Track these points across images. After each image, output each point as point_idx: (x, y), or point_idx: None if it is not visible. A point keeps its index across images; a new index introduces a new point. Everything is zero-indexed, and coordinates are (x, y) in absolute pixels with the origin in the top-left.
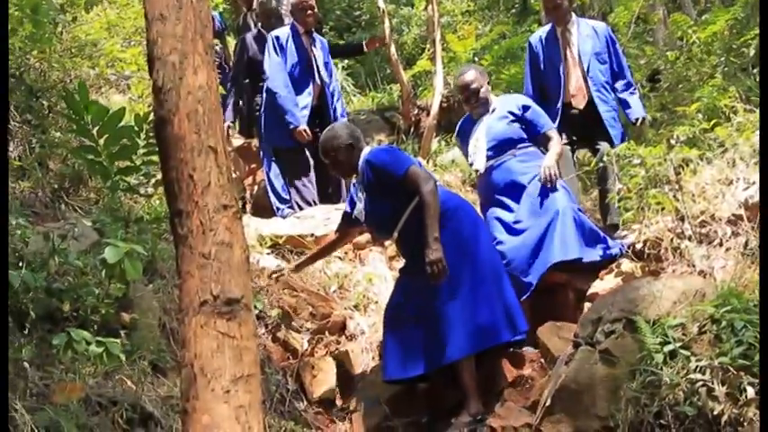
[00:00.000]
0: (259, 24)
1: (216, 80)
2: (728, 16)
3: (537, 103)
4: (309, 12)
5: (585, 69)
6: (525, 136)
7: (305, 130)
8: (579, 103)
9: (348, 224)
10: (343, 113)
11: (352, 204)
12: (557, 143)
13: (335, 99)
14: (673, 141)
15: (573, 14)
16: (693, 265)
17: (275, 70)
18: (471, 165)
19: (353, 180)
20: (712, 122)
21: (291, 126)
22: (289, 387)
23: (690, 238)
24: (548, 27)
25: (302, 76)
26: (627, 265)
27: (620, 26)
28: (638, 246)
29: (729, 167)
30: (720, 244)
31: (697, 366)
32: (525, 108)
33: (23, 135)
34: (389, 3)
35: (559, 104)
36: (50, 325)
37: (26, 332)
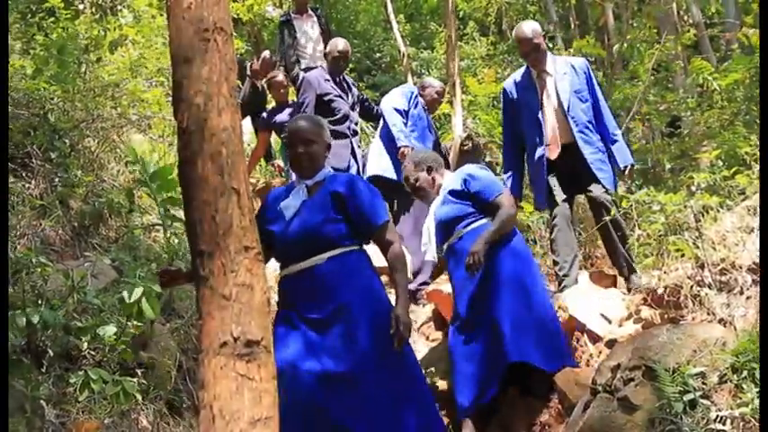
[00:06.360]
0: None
1: (239, 122)
2: (750, 65)
3: (513, 153)
4: (439, 96)
5: (566, 109)
6: (473, 210)
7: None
8: (552, 153)
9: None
10: None
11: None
12: (500, 217)
13: None
14: (693, 188)
15: (549, 53)
16: (713, 313)
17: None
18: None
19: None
20: (733, 170)
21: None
22: None
23: (710, 286)
24: (522, 70)
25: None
26: (646, 311)
27: (639, 73)
28: (658, 292)
29: (750, 215)
30: (741, 292)
31: (717, 416)
32: (467, 181)
33: (45, 173)
34: (410, 46)
35: (541, 152)
36: (68, 363)
37: (44, 370)
